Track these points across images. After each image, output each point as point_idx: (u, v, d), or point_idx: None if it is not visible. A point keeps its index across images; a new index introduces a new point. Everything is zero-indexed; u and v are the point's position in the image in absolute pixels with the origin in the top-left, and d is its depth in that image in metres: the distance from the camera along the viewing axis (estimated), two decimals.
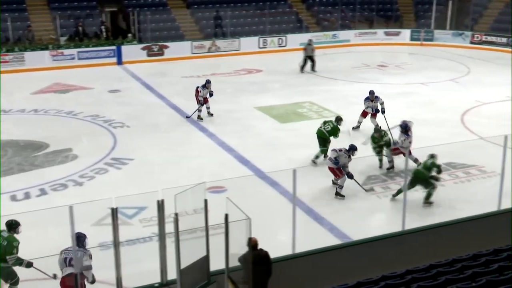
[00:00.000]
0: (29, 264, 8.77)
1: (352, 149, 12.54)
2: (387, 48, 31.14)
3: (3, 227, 8.86)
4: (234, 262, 7.53)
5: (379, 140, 13.87)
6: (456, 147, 14.42)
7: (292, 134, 16.79)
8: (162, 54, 27.76)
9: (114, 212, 7.04)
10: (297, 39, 29.24)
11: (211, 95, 17.91)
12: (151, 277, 7.81)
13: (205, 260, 7.57)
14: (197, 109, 17.75)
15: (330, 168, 12.56)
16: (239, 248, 7.41)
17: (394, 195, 12.18)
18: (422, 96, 20.23)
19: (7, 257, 8.63)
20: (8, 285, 8.82)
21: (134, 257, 9.77)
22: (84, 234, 8.27)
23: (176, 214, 6.96)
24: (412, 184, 11.75)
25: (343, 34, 31.91)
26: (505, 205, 10.23)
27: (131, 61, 26.75)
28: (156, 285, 7.62)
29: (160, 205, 7.13)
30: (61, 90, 22.06)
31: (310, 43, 25.36)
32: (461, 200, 12.23)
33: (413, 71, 25.27)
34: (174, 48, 27.99)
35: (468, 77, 24.16)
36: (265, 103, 19.90)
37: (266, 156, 14.86)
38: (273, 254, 7.73)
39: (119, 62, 26.74)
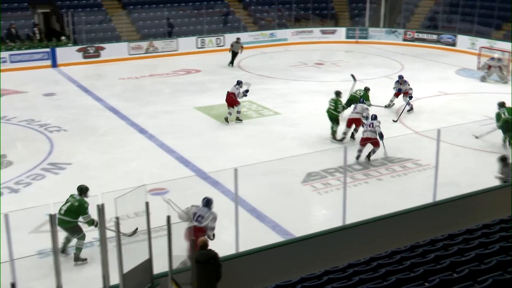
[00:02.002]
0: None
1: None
2: (324, 46, 31.65)
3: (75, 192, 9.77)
4: (177, 264, 7.50)
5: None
6: (392, 141, 14.78)
7: (232, 133, 16.83)
8: (98, 56, 27.24)
9: (53, 218, 6.89)
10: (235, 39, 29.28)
11: (245, 95, 17.81)
12: (93, 283, 7.69)
13: (148, 263, 7.50)
14: (235, 111, 17.56)
15: (369, 139, 13.40)
16: (182, 249, 7.38)
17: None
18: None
19: (82, 217, 9.40)
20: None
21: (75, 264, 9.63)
22: (211, 199, 9.45)
23: (117, 218, 6.87)
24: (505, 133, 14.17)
25: (280, 33, 32.22)
26: (440, 197, 10.57)
27: (66, 63, 26.13)
28: None
29: (101, 210, 7.01)
30: None
31: (238, 41, 26.23)
32: (398, 193, 12.55)
33: (349, 68, 25.66)
34: (111, 49, 27.52)
35: (401, 73, 24.72)
36: (205, 103, 19.85)
37: (207, 156, 14.83)
38: None
39: (54, 64, 26.09)
